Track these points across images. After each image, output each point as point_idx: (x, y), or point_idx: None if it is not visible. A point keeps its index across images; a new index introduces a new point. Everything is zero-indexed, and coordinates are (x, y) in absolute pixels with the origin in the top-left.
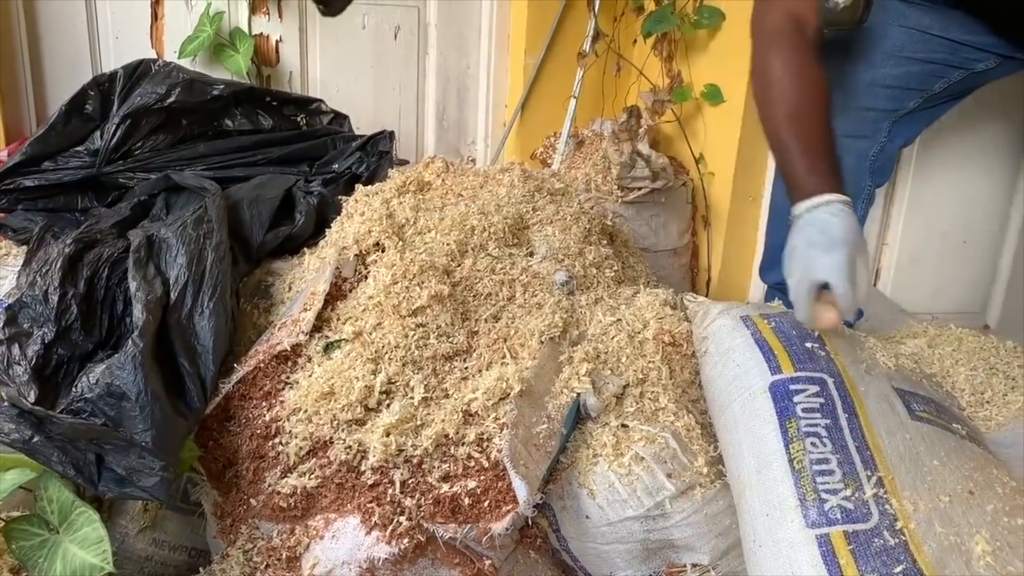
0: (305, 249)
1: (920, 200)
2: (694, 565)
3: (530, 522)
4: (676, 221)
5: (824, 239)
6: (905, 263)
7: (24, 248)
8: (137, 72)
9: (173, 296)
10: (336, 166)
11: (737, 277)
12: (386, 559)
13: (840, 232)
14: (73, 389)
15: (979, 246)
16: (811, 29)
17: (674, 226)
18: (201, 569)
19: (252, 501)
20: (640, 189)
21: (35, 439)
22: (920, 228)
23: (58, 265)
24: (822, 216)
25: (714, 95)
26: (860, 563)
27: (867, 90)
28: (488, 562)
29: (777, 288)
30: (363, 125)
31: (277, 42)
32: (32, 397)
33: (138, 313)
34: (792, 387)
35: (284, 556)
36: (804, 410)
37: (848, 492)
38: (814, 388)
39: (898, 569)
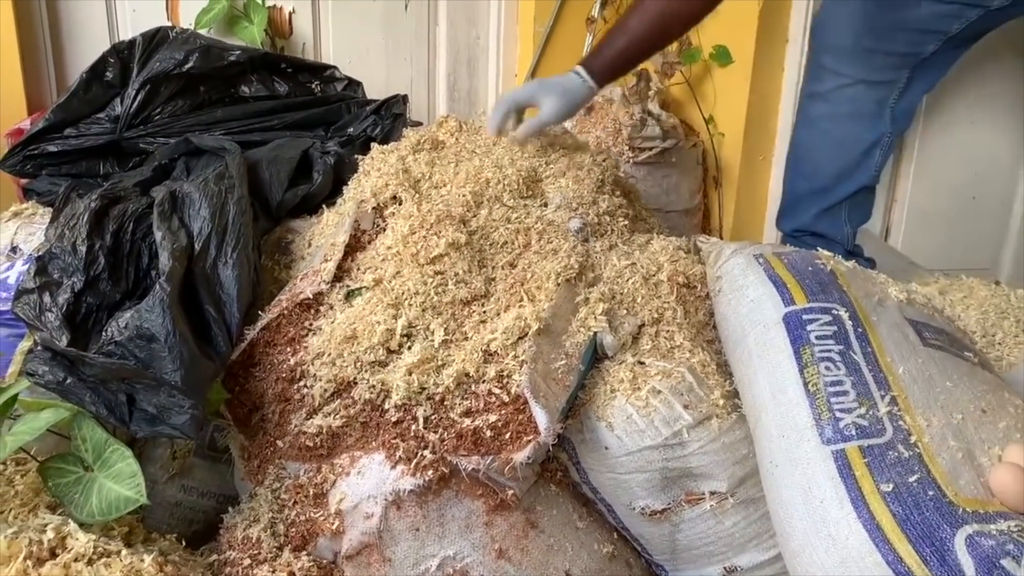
0: (323, 207)
1: (929, 156)
2: (712, 492)
3: (550, 456)
4: (687, 182)
5: None
6: (915, 219)
7: (50, 209)
8: (156, 39)
9: (197, 247)
10: (351, 130)
11: (749, 236)
12: (411, 491)
13: None
14: (103, 334)
15: (989, 202)
16: None
17: (685, 187)
18: (230, 508)
19: (279, 443)
20: (651, 149)
21: (68, 380)
22: (929, 184)
23: (85, 219)
24: None
25: (723, 56)
26: (875, 474)
27: (884, 33)
28: (511, 492)
29: (794, 236)
30: (375, 96)
31: (290, 14)
32: (64, 341)
33: (165, 259)
34: (805, 317)
35: (311, 493)
36: (817, 337)
37: (862, 410)
38: (827, 317)
39: (912, 478)
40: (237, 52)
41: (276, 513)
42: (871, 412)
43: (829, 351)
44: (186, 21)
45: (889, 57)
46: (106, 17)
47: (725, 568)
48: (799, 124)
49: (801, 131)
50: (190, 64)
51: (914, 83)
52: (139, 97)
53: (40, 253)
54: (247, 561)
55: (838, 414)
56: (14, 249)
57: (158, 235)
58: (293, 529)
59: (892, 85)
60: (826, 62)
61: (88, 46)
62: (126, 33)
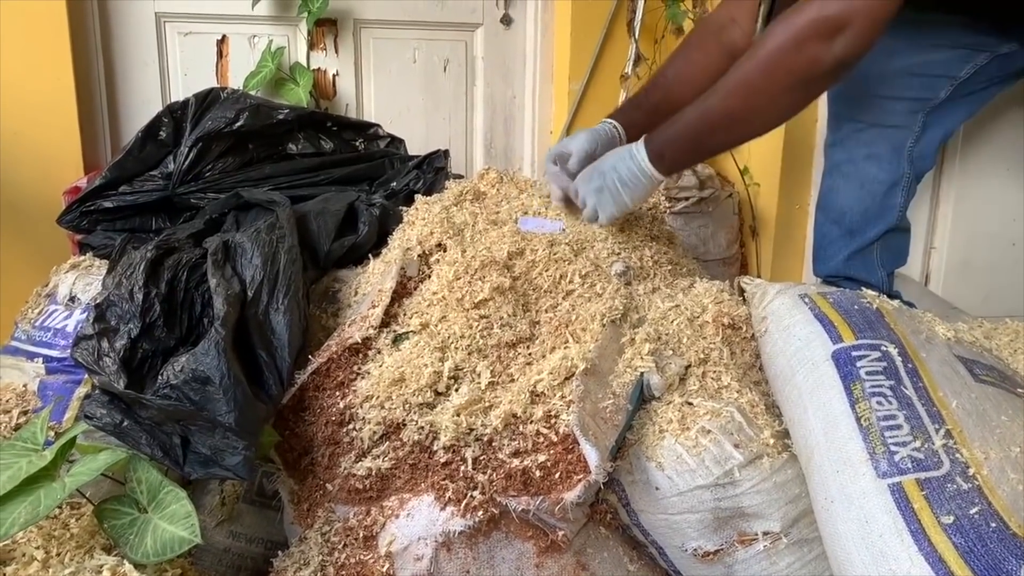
0: (369, 256)
1: (966, 203)
2: (765, 533)
3: (600, 499)
4: (724, 231)
5: None
6: (954, 267)
7: (106, 262)
8: (208, 99)
9: (250, 293)
10: (395, 184)
11: None
12: (461, 532)
13: None
14: (159, 377)
15: None
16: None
17: (722, 236)
18: (280, 552)
19: (328, 486)
20: (688, 199)
21: (125, 423)
22: (968, 231)
23: (141, 268)
24: None
25: None
26: (935, 507)
27: (892, 79)
28: (561, 533)
29: (829, 282)
30: (415, 153)
31: (334, 76)
32: (121, 385)
33: (219, 305)
34: (854, 354)
35: (361, 535)
36: (867, 373)
37: (917, 444)
38: (876, 354)
39: (973, 510)
40: (285, 111)
41: (326, 556)
42: (926, 445)
43: (880, 386)
44: (235, 84)
45: (901, 102)
46: (159, 82)
47: None
48: (824, 173)
49: (826, 178)
50: (240, 123)
51: (929, 128)
52: (191, 155)
53: (99, 301)
54: None
55: (892, 448)
56: (72, 299)
57: (212, 282)
58: (343, 572)
59: (907, 130)
60: (840, 110)
61: (142, 108)
62: (178, 97)
